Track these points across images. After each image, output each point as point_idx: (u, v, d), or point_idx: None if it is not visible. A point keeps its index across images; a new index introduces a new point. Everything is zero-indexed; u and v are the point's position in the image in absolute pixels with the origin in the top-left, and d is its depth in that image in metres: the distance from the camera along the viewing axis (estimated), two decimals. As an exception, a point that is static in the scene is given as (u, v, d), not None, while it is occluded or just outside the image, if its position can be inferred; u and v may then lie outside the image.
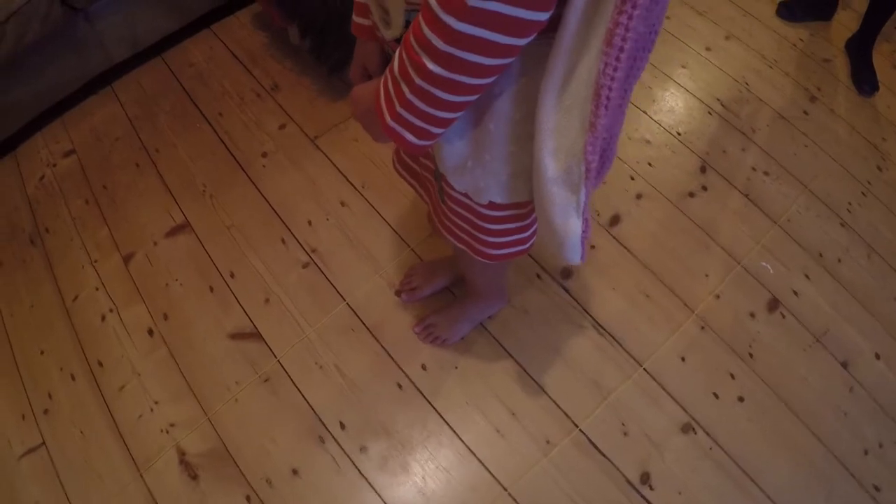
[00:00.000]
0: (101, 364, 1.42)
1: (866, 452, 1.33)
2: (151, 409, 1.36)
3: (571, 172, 0.60)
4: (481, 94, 0.56)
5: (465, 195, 0.80)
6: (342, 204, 1.61)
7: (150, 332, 1.45)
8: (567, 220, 0.65)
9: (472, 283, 1.31)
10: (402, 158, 1.05)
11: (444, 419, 1.33)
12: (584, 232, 0.66)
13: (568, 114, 0.57)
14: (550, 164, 0.61)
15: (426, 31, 0.49)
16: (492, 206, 0.80)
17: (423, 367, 1.38)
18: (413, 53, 0.51)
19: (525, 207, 0.83)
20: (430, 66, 0.50)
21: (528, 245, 0.95)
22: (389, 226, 1.57)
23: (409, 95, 0.55)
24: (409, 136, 0.59)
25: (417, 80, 0.53)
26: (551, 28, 0.51)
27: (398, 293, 1.47)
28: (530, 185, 0.71)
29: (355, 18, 0.79)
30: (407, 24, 0.60)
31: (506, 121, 0.65)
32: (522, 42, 0.49)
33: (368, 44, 0.81)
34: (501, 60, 0.50)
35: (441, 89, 0.53)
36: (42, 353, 1.44)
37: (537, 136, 0.60)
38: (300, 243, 1.55)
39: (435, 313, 1.41)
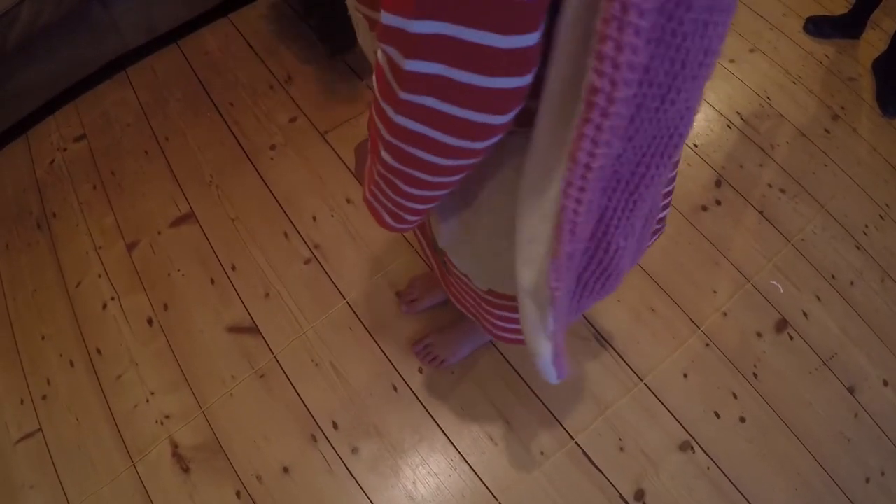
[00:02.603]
0: (99, 352, 1.42)
1: (868, 480, 1.30)
2: (147, 400, 1.36)
3: (539, 292, 0.52)
4: (473, 182, 0.50)
5: (466, 276, 0.75)
6: (348, 200, 1.59)
7: (150, 321, 1.45)
8: (535, 337, 0.57)
9: None
10: None
11: (437, 424, 1.32)
12: (554, 356, 0.59)
13: (541, 225, 0.47)
14: (522, 273, 0.52)
15: (375, 114, 0.44)
16: (492, 293, 0.75)
17: (420, 371, 1.37)
18: (372, 136, 0.46)
19: None
20: (383, 153, 0.46)
21: None
22: (394, 225, 1.55)
23: (376, 177, 0.50)
24: (385, 216, 0.55)
25: (377, 165, 0.48)
26: (527, 122, 0.44)
27: (398, 295, 1.45)
28: None
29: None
30: None
31: (497, 212, 0.58)
32: (479, 145, 0.42)
33: None
34: (459, 161, 0.43)
35: (399, 180, 0.47)
36: (43, 338, 1.45)
37: (515, 238, 0.52)
38: (303, 238, 1.54)
39: (435, 332, 1.37)
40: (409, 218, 0.54)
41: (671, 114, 0.40)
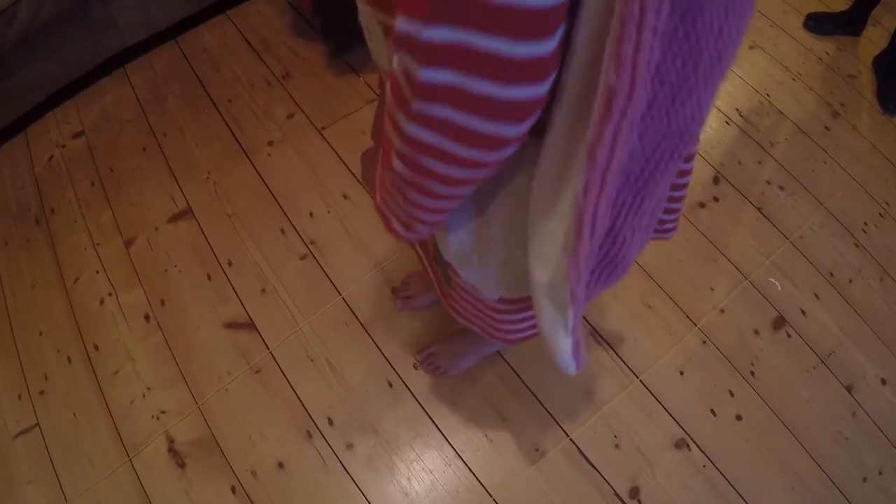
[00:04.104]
0: (97, 347, 1.42)
1: (865, 479, 1.29)
2: (143, 395, 1.37)
3: (557, 291, 0.52)
4: (484, 193, 0.49)
5: (474, 287, 0.74)
6: (344, 197, 1.59)
7: (147, 317, 1.45)
8: (555, 335, 0.57)
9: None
10: None
11: (432, 420, 1.32)
12: (574, 350, 0.59)
13: (556, 224, 0.47)
14: (537, 271, 0.52)
15: (388, 124, 0.43)
16: (502, 300, 0.74)
17: (415, 367, 1.37)
18: (385, 144, 0.46)
19: None
20: (395, 163, 0.45)
21: None
22: (391, 222, 1.55)
23: (388, 185, 0.49)
24: (396, 225, 0.54)
25: (390, 174, 0.47)
26: (542, 132, 0.43)
27: (394, 291, 1.45)
28: None
29: (381, 73, 0.76)
30: None
31: (509, 221, 0.57)
32: (493, 156, 0.41)
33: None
34: (472, 172, 0.43)
35: (411, 190, 0.47)
36: (41, 333, 1.45)
37: (529, 237, 0.52)
38: (299, 234, 1.54)
39: (438, 342, 1.36)
40: (421, 228, 0.53)
41: (682, 114, 0.41)
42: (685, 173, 0.67)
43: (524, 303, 0.75)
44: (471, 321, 0.89)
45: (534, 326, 0.81)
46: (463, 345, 1.32)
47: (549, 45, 0.35)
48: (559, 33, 0.35)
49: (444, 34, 0.34)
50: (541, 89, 0.37)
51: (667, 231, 0.75)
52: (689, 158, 0.65)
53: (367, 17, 0.54)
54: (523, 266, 0.57)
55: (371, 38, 0.57)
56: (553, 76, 0.37)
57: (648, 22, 0.32)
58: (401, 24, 0.35)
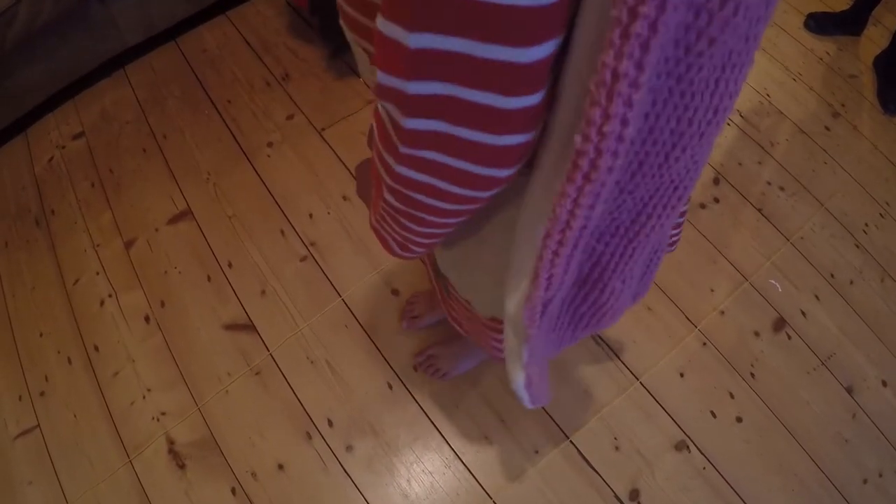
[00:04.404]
0: (97, 349, 1.43)
1: (865, 481, 1.29)
2: (144, 397, 1.37)
3: (518, 324, 0.51)
4: (478, 217, 0.49)
5: (468, 303, 0.74)
6: (344, 198, 1.59)
7: (147, 318, 1.45)
8: (512, 364, 0.58)
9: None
10: None
11: (432, 422, 1.32)
12: (527, 385, 0.59)
13: (531, 259, 0.46)
14: (509, 301, 0.52)
15: (377, 159, 0.43)
16: (494, 320, 0.74)
17: (415, 369, 1.37)
18: (375, 174, 0.45)
19: None
20: (386, 195, 0.45)
21: None
22: (391, 223, 1.55)
23: (381, 209, 0.49)
24: (392, 245, 0.54)
25: (381, 203, 0.47)
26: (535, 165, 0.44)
27: (401, 314, 1.43)
28: None
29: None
30: None
31: (500, 250, 0.56)
32: (483, 194, 0.41)
33: None
34: (463, 206, 0.42)
35: (404, 219, 0.47)
36: (41, 335, 1.45)
37: (508, 266, 0.51)
38: (299, 236, 1.54)
39: (437, 344, 1.36)
40: (417, 249, 0.54)
41: (676, 169, 0.39)
42: (682, 213, 0.67)
43: None
44: (467, 332, 0.90)
45: None
46: (462, 347, 1.32)
47: (538, 97, 0.34)
48: (547, 84, 0.34)
49: (430, 87, 0.33)
50: (529, 136, 0.36)
51: (671, 244, 0.75)
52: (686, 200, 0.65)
53: (351, 40, 0.54)
54: None
55: (359, 60, 0.56)
56: (541, 123, 0.37)
57: (621, 91, 0.30)
58: (382, 76, 0.34)
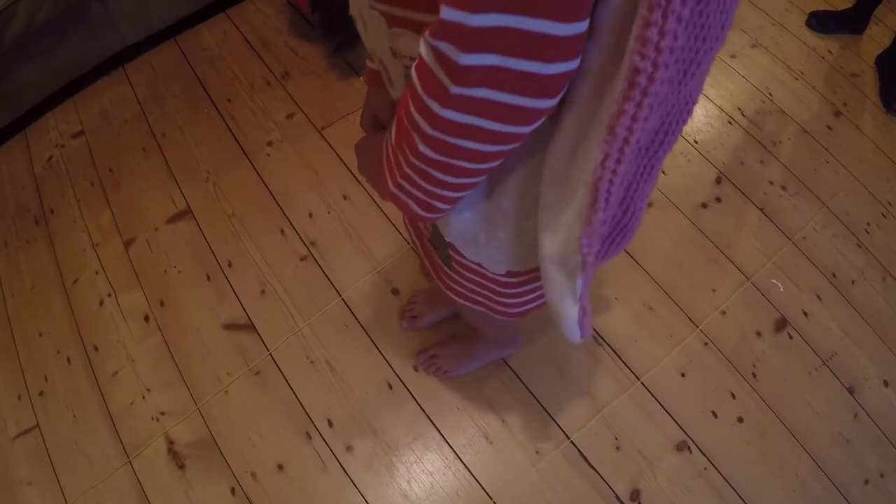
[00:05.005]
0: (96, 348, 1.42)
1: (867, 482, 1.29)
2: (143, 397, 1.36)
3: (567, 260, 0.54)
4: (493, 174, 0.50)
5: (479, 265, 0.74)
6: (344, 197, 1.59)
7: (146, 318, 1.45)
8: (562, 302, 0.59)
9: (481, 331, 1.23)
10: None
11: (432, 422, 1.32)
12: (581, 318, 0.61)
13: (569, 195, 0.50)
14: (546, 242, 0.54)
15: (413, 110, 0.44)
16: (510, 274, 0.75)
17: (415, 368, 1.37)
18: (404, 130, 0.47)
19: None
20: (421, 147, 0.46)
21: None
22: (390, 221, 1.55)
23: (406, 169, 0.50)
24: (414, 207, 0.55)
25: (411, 158, 0.48)
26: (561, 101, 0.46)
27: (400, 313, 1.43)
28: None
29: (368, 63, 0.74)
30: None
31: (520, 195, 0.59)
32: (525, 129, 0.43)
33: (380, 90, 0.75)
34: (503, 147, 0.45)
35: (437, 171, 0.48)
36: (40, 334, 1.45)
37: (539, 208, 0.54)
38: (299, 235, 1.54)
39: (440, 345, 1.35)
40: (441, 206, 0.54)
41: (690, 85, 0.43)
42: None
43: (531, 274, 0.76)
44: (473, 301, 0.88)
45: (538, 298, 0.84)
46: (466, 350, 1.32)
47: (586, 23, 0.37)
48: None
49: (492, 19, 0.35)
50: (575, 63, 0.40)
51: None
52: None
53: (358, 9, 0.54)
54: (534, 236, 0.59)
55: (367, 28, 0.57)
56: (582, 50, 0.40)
57: (675, 9, 0.35)
58: (446, 12, 0.36)
